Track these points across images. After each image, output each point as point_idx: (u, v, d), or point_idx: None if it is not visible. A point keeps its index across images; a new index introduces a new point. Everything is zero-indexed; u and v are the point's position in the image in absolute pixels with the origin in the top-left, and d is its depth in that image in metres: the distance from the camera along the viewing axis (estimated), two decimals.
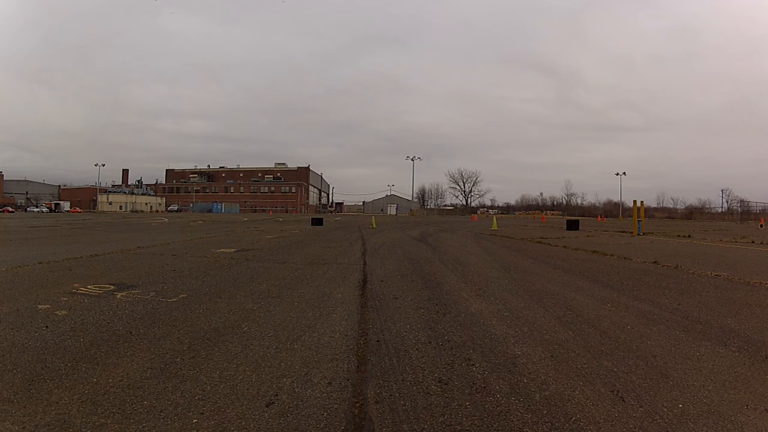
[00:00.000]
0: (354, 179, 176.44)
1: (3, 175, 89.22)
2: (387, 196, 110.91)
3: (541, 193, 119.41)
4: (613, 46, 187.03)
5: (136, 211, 79.56)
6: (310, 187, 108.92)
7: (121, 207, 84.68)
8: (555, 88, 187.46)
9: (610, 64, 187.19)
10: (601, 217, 65.78)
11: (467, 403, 2.25)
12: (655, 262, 8.41)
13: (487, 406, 2.22)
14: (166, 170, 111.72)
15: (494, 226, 23.16)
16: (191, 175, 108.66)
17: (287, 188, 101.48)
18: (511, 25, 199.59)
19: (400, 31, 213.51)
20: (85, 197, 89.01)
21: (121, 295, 4.76)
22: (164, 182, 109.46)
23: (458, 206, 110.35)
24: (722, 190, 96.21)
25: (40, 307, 4.19)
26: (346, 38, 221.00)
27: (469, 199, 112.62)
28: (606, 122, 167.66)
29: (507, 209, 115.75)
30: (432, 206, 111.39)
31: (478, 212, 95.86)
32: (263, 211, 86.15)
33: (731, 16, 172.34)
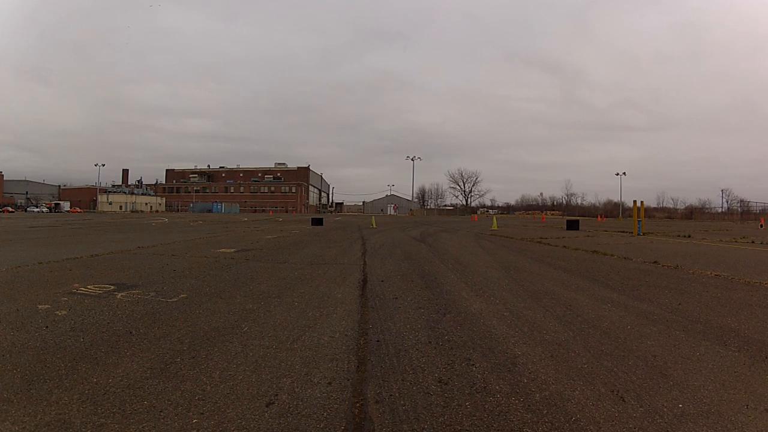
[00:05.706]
0: (354, 179, 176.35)
1: (3, 175, 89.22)
2: (387, 196, 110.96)
3: (541, 193, 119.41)
4: (618, 43, 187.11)
5: (136, 211, 79.50)
6: (310, 187, 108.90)
7: (121, 207, 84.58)
8: (559, 87, 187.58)
9: (615, 62, 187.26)
10: (601, 217, 65.73)
11: (467, 403, 2.25)
12: (655, 262, 8.41)
13: (487, 406, 2.22)
14: (166, 170, 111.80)
15: (494, 227, 23.15)
16: (191, 175, 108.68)
17: (287, 188, 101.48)
18: (516, 20, 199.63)
19: (404, 26, 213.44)
20: (85, 197, 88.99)
21: (121, 295, 4.76)
22: (164, 182, 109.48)
23: (458, 206, 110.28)
24: (722, 190, 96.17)
25: (40, 307, 4.19)
26: (348, 34, 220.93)
27: (469, 199, 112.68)
28: (609, 121, 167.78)
29: (507, 209, 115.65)
30: (432, 206, 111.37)
31: (478, 212, 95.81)
32: (263, 211, 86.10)
33: (736, 13, 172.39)
